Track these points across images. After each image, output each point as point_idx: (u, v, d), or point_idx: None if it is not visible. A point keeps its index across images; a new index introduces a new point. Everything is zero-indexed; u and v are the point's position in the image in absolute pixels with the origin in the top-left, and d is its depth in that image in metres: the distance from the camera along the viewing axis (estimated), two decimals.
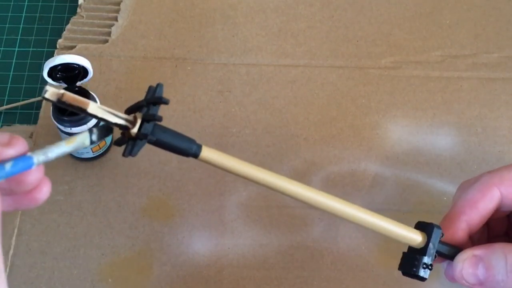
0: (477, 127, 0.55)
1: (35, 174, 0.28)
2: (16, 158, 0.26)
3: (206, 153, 0.33)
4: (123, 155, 0.30)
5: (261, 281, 0.48)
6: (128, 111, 0.31)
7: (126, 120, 0.30)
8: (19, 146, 0.26)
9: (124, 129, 0.30)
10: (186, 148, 0.32)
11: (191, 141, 0.32)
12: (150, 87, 0.32)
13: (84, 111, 0.29)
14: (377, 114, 0.55)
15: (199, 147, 0.33)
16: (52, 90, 0.29)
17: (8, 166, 0.26)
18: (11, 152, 0.26)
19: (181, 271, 0.48)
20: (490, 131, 0.55)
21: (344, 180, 0.52)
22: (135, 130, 0.30)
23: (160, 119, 0.30)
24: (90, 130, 0.29)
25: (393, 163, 0.53)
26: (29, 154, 0.27)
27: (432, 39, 0.59)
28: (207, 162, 0.33)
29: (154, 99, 0.31)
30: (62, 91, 0.29)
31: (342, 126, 0.55)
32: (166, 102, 0.31)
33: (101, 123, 0.30)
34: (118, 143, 0.31)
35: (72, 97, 0.29)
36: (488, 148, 0.54)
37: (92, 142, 0.29)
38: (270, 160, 0.53)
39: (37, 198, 0.29)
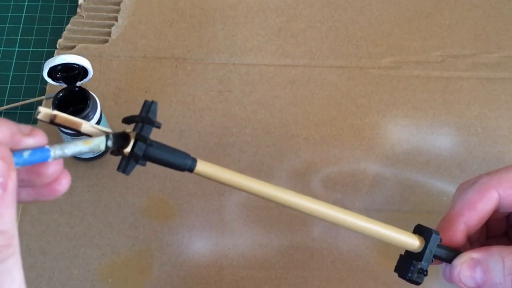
0: (477, 127, 0.55)
1: (53, 167, 0.28)
2: (34, 149, 0.27)
3: (201, 167, 0.33)
4: (118, 169, 0.31)
5: (261, 281, 0.48)
6: (125, 121, 0.31)
7: (120, 138, 0.30)
8: (39, 137, 0.27)
9: (119, 146, 0.31)
10: (181, 164, 0.32)
11: (186, 156, 0.32)
12: (145, 102, 0.31)
13: (77, 130, 0.29)
14: (377, 114, 0.55)
15: (194, 161, 0.33)
16: (45, 112, 0.29)
17: (26, 154, 0.26)
18: (30, 141, 0.27)
19: (181, 271, 0.48)
20: (490, 131, 0.55)
21: (344, 180, 0.52)
22: (128, 149, 0.30)
23: (151, 143, 0.30)
24: (107, 135, 0.30)
25: (393, 163, 0.53)
26: (47, 146, 0.27)
27: (432, 39, 0.59)
28: (202, 176, 0.33)
29: (147, 120, 0.30)
30: (55, 112, 0.29)
31: (342, 126, 0.55)
32: (158, 126, 0.31)
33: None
34: (113, 153, 0.31)
35: (64, 118, 0.29)
36: (488, 148, 0.54)
37: (107, 147, 0.30)
38: (270, 160, 0.53)
39: (57, 190, 0.30)
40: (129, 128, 0.31)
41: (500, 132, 0.55)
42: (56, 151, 0.28)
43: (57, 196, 0.30)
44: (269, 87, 0.56)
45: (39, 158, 0.27)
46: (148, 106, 0.31)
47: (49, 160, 0.27)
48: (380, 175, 0.53)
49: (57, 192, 0.30)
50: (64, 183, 0.30)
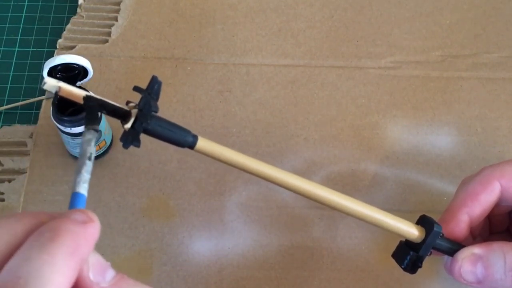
0: (477, 127, 0.55)
1: None
2: (73, 203, 0.28)
3: (202, 143, 0.33)
4: (120, 139, 0.31)
5: (261, 281, 0.48)
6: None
7: (121, 113, 0.31)
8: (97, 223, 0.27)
9: (121, 119, 0.31)
10: (182, 140, 0.32)
11: (187, 133, 0.33)
12: (153, 78, 0.32)
13: (80, 104, 0.30)
14: (377, 114, 0.55)
15: (195, 138, 0.33)
16: (50, 83, 0.29)
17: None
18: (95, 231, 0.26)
19: (181, 271, 0.48)
20: (490, 131, 0.55)
21: (344, 180, 0.52)
22: (128, 125, 0.30)
23: (148, 125, 0.31)
24: (96, 130, 0.30)
25: (393, 163, 0.53)
26: (81, 192, 0.28)
27: (432, 39, 0.59)
28: (203, 153, 0.33)
29: (147, 102, 0.31)
30: (60, 83, 0.29)
31: (342, 126, 0.55)
32: (155, 111, 0.31)
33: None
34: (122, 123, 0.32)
35: (68, 91, 0.30)
36: (488, 148, 0.54)
37: (100, 135, 0.30)
38: (270, 160, 0.53)
39: None
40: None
41: (500, 132, 0.55)
42: (85, 188, 0.28)
43: None
44: (269, 87, 0.56)
45: (83, 204, 0.28)
46: (154, 84, 0.32)
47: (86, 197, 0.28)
48: (380, 175, 0.53)
49: None
50: None
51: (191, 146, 0.33)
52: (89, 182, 0.28)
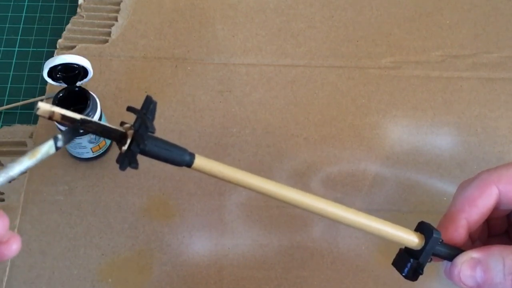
0: (477, 127, 0.55)
1: None
2: None
3: (199, 162, 0.33)
4: (116, 161, 0.31)
5: (261, 281, 0.48)
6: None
7: (117, 135, 0.30)
8: None
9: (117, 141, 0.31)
10: (179, 159, 0.32)
11: (184, 152, 0.32)
12: (147, 98, 0.31)
13: (75, 127, 0.29)
14: (377, 114, 0.55)
15: (192, 157, 0.32)
16: (44, 108, 0.29)
17: None
18: None
19: (181, 271, 0.48)
20: (490, 131, 0.55)
21: (344, 180, 0.52)
22: (125, 147, 0.30)
23: (145, 147, 0.30)
24: (55, 138, 0.29)
25: (393, 163, 0.53)
26: None
27: (432, 39, 0.59)
28: (200, 171, 0.33)
29: (144, 122, 0.30)
30: (54, 108, 0.29)
31: (342, 126, 0.55)
32: (152, 131, 0.31)
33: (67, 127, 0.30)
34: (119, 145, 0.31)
35: (62, 115, 0.29)
36: (488, 148, 0.54)
37: (58, 149, 0.29)
38: (270, 160, 0.53)
39: (4, 254, 0.29)
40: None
41: (500, 132, 0.55)
42: (4, 179, 0.27)
43: (2, 261, 0.29)
44: (269, 87, 0.56)
45: None
46: (148, 104, 0.31)
47: None
48: (380, 175, 0.53)
49: (4, 256, 0.29)
50: (13, 249, 0.29)
51: (189, 164, 0.33)
52: (10, 179, 0.27)
